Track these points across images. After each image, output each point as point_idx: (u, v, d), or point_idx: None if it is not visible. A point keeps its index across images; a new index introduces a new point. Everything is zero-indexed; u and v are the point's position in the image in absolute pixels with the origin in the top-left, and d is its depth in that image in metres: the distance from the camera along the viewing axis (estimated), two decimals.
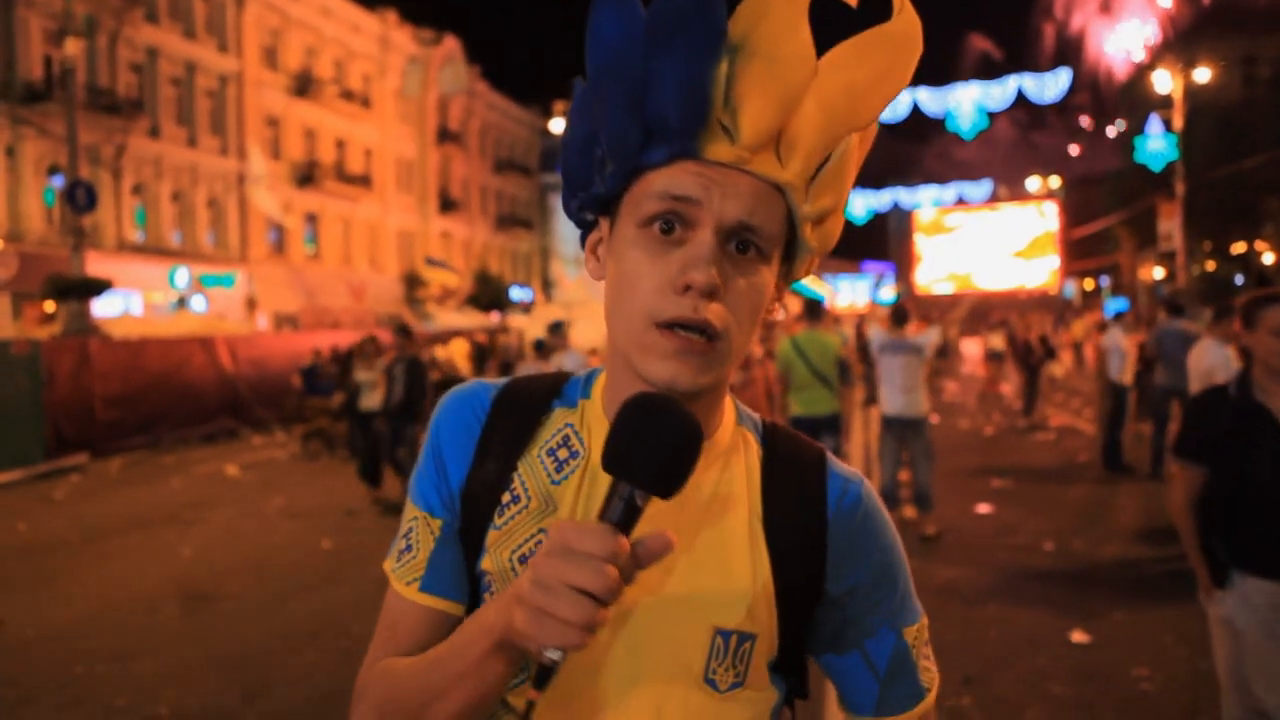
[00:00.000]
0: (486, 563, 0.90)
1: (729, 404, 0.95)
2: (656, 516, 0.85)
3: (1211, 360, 5.81)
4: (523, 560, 0.88)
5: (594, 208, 0.89)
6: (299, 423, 13.53)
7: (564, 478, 0.90)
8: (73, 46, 14.74)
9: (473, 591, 0.92)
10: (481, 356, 17.36)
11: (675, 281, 0.79)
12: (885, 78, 0.82)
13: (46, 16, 21.59)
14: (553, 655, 0.70)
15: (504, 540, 0.89)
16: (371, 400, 9.16)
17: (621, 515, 0.71)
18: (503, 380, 0.98)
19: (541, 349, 8.55)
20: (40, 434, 11.62)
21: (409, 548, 0.94)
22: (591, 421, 0.93)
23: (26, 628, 5.40)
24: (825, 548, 0.90)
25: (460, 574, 0.92)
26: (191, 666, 4.77)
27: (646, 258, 0.81)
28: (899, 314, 7.14)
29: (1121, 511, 7.89)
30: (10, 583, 6.45)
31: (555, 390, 0.96)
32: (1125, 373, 9.80)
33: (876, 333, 7.37)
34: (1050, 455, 10.82)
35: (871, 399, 15.65)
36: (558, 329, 8.27)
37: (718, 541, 0.88)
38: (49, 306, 19.34)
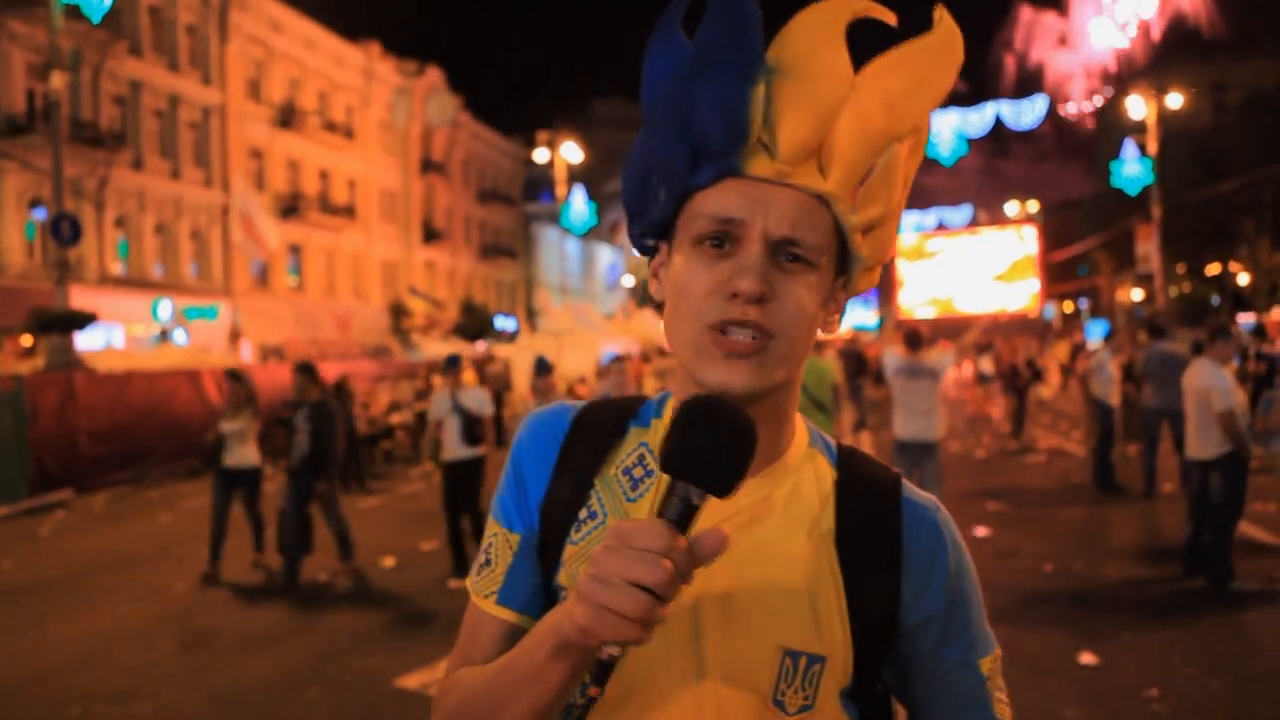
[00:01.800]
0: (562, 577, 0.92)
1: (800, 424, 0.95)
2: (739, 538, 0.85)
3: (1206, 381, 5.87)
4: None
5: (653, 233, 0.93)
6: (285, 456, 13.37)
7: (639, 495, 0.92)
8: (58, 80, 14.68)
9: (549, 607, 0.93)
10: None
11: (725, 287, 0.82)
12: (921, 87, 0.85)
13: (30, 50, 21.55)
14: (612, 650, 0.72)
15: (580, 555, 0.91)
16: (241, 455, 7.45)
17: (679, 514, 0.73)
18: (583, 403, 1.02)
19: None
20: (24, 470, 11.44)
21: (488, 562, 0.96)
22: None
23: (19, 669, 5.28)
24: (900, 575, 0.89)
25: (536, 589, 0.94)
26: (192, 705, 4.67)
27: (699, 269, 0.85)
28: (913, 337, 7.16)
29: (1118, 532, 7.93)
30: None
31: (631, 411, 0.99)
32: (1112, 394, 9.90)
33: (892, 356, 7.38)
34: (1043, 477, 10.87)
35: (861, 423, 15.72)
36: (455, 363, 7.35)
37: (788, 562, 0.88)
38: (26, 340, 19.11)
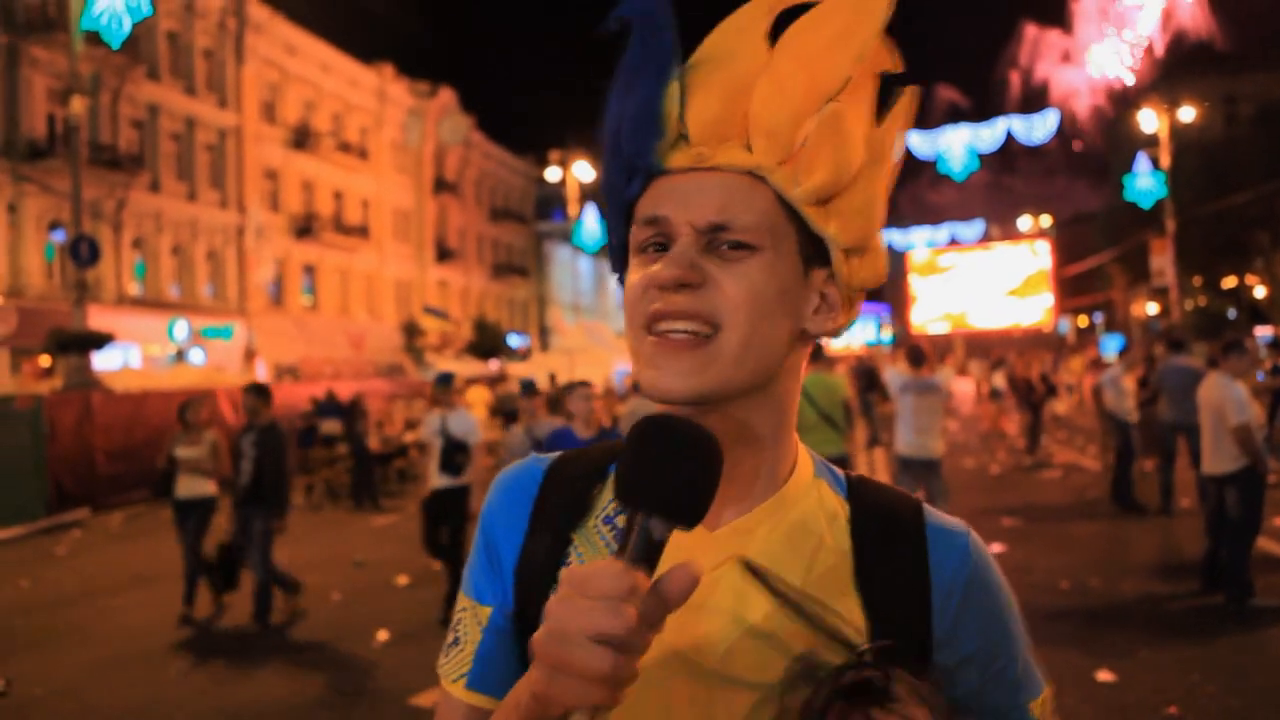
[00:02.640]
0: None
1: (804, 453, 0.87)
2: (739, 582, 0.78)
3: (1221, 394, 5.83)
4: None
5: (623, 266, 0.89)
6: (301, 474, 13.45)
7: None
8: (77, 105, 14.91)
9: None
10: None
11: (650, 281, 0.77)
12: (842, 38, 0.78)
13: (50, 75, 21.91)
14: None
15: None
16: (198, 484, 7.06)
17: (639, 550, 0.63)
18: (555, 454, 0.93)
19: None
20: (42, 489, 11.54)
21: (456, 641, 0.87)
22: None
23: (35, 686, 5.30)
24: (930, 612, 0.80)
25: (511, 668, 0.82)
26: None
27: (636, 274, 0.81)
28: (916, 354, 7.14)
29: (1135, 548, 7.86)
30: (16, 640, 6.36)
31: (612, 454, 0.88)
32: (1128, 409, 9.82)
33: (894, 373, 7.37)
34: (1058, 492, 10.79)
35: (875, 440, 15.67)
36: (447, 382, 6.89)
37: (801, 605, 0.79)
38: (44, 360, 19.32)
